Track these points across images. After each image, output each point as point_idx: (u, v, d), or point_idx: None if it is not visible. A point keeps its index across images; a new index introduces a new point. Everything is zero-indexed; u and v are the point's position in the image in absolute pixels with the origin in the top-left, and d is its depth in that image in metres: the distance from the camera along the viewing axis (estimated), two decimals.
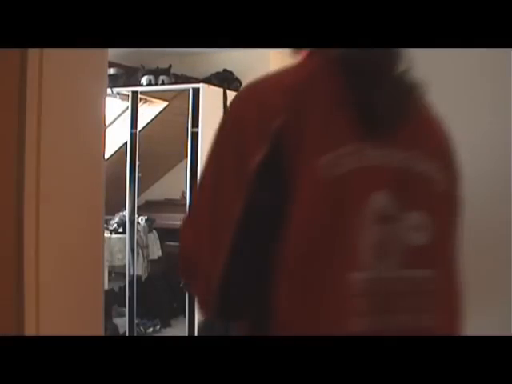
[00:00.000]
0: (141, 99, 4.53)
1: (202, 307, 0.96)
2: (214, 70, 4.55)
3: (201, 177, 0.94)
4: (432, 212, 0.94)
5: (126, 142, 4.47)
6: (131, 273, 4.50)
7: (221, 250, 0.86)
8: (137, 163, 4.45)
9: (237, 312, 0.96)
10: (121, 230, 4.61)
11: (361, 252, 0.86)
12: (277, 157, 0.84)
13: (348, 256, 0.86)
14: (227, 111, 0.93)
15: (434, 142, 0.98)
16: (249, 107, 0.88)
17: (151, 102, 4.73)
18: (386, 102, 0.90)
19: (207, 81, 4.35)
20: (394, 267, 0.89)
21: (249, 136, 0.85)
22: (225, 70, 4.58)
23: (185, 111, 4.31)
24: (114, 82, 4.34)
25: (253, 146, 0.84)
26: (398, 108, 0.92)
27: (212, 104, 4.31)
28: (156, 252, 4.85)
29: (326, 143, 0.86)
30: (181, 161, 5.01)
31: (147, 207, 5.10)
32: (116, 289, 4.83)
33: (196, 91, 4.21)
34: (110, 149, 4.56)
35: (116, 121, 4.79)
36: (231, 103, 0.93)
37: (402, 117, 0.92)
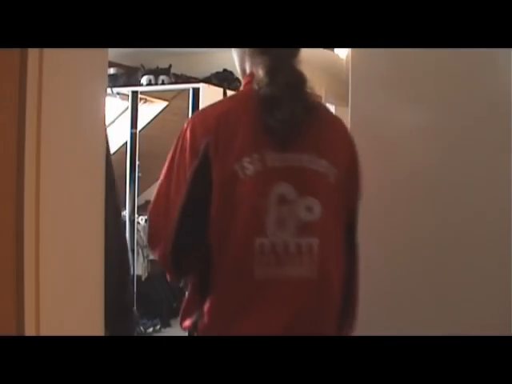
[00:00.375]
0: (141, 99, 4.53)
1: (161, 263, 1.35)
2: (213, 70, 4.55)
3: (160, 176, 1.34)
4: (321, 198, 1.29)
5: (126, 142, 4.47)
6: (131, 273, 4.50)
7: (172, 222, 1.27)
8: (137, 163, 4.45)
9: (185, 269, 1.36)
10: None
11: (266, 224, 1.26)
12: (204, 165, 1.26)
13: (257, 226, 1.27)
14: (180, 132, 1.33)
15: (328, 147, 1.34)
16: (188, 132, 1.30)
17: (151, 101, 4.73)
18: (288, 121, 1.26)
19: (207, 81, 4.35)
20: (290, 235, 1.27)
21: (187, 153, 1.28)
22: (225, 70, 4.58)
23: (185, 111, 4.31)
24: (114, 82, 4.34)
25: (189, 160, 1.27)
26: (297, 124, 1.27)
27: None
28: None
29: (239, 153, 1.26)
30: None
31: (147, 207, 5.10)
32: None
33: (196, 91, 4.22)
34: (110, 149, 4.56)
35: (116, 121, 4.79)
36: (184, 126, 1.33)
37: (301, 130, 1.28)
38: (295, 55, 1.34)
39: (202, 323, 1.30)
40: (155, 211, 1.36)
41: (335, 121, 1.42)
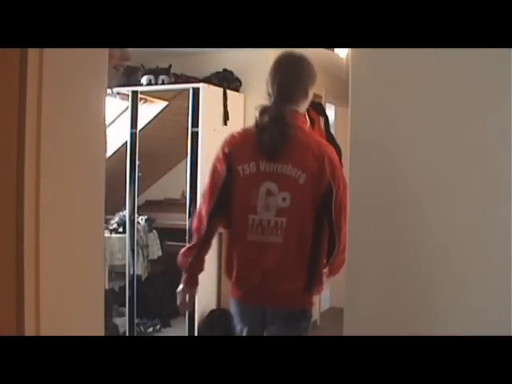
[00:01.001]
0: (141, 99, 4.53)
1: (195, 234, 2.23)
2: (213, 70, 4.55)
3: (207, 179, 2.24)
4: (292, 193, 2.07)
5: (126, 142, 4.46)
6: (131, 272, 4.50)
7: (210, 206, 2.18)
8: (137, 163, 4.45)
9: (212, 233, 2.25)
10: (121, 229, 4.61)
11: (257, 207, 2.08)
12: (227, 168, 2.13)
13: (251, 208, 2.09)
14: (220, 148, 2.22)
15: (300, 159, 2.09)
16: (222, 148, 2.18)
17: (151, 101, 4.72)
18: (275, 141, 2.07)
19: (207, 80, 4.35)
20: (271, 215, 2.07)
21: (220, 162, 2.17)
22: (225, 70, 4.58)
23: (185, 111, 4.31)
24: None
25: (220, 165, 2.16)
26: (280, 144, 2.07)
27: (212, 104, 4.31)
28: (156, 252, 4.85)
29: (241, 160, 2.12)
30: (181, 161, 5.01)
31: (147, 207, 5.10)
32: (116, 288, 4.82)
33: (196, 91, 4.21)
34: (110, 149, 4.56)
35: (116, 121, 4.78)
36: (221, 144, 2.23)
37: (283, 147, 2.08)
38: (285, 100, 2.12)
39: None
40: (202, 200, 2.25)
41: (309, 141, 2.15)
